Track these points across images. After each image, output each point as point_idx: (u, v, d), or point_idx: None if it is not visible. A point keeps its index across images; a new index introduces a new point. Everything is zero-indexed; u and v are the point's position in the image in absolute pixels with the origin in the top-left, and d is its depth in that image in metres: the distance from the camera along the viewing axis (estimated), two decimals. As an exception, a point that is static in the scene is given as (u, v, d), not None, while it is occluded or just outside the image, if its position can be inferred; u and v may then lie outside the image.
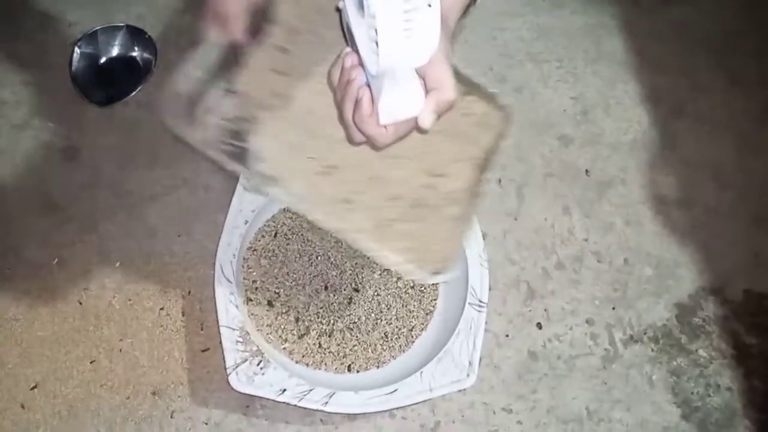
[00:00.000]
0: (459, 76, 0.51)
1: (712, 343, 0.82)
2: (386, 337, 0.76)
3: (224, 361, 0.67)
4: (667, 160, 0.93)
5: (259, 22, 0.55)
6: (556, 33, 1.01)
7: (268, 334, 0.74)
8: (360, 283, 0.78)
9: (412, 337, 0.76)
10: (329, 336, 0.75)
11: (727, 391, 0.80)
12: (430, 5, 0.44)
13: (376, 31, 0.44)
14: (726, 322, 0.84)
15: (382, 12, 0.43)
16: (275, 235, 0.79)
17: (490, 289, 0.74)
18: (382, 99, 0.49)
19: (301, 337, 0.74)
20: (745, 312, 0.84)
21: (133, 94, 0.88)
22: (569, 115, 0.95)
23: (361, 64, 0.51)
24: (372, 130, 0.50)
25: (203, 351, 0.76)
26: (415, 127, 0.50)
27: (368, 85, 0.51)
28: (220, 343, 0.68)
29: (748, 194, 0.92)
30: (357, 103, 0.49)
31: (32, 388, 0.73)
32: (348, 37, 0.53)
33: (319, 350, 0.74)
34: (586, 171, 0.91)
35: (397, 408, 0.73)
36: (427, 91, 0.50)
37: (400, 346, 0.75)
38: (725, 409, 0.79)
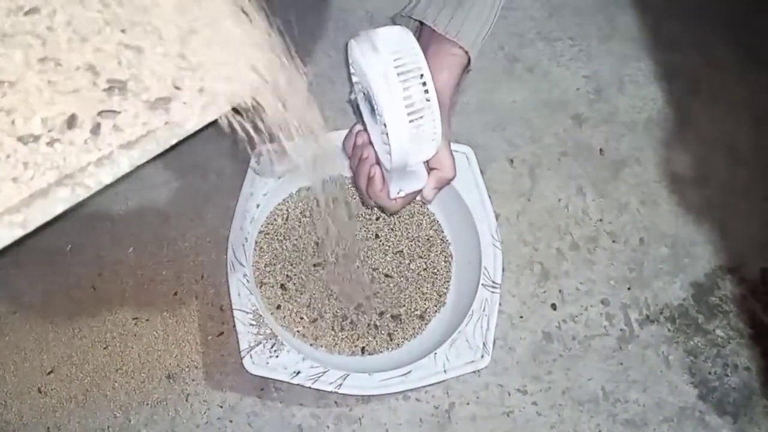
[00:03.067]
0: None
1: (729, 323, 0.81)
2: (399, 319, 0.75)
3: (238, 345, 0.67)
4: (683, 138, 0.92)
5: None
6: (568, 10, 0.99)
7: (281, 317, 0.74)
8: (372, 266, 0.77)
9: (426, 319, 0.76)
10: (342, 319, 0.75)
11: (745, 371, 0.79)
12: (428, 100, 0.50)
13: (388, 137, 0.50)
14: (743, 301, 0.83)
15: (392, 124, 0.49)
16: (287, 219, 0.78)
17: (503, 270, 0.73)
18: (392, 181, 0.58)
19: (313, 320, 0.74)
20: (763, 291, 0.83)
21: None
22: (582, 93, 0.93)
23: (371, 142, 0.59)
24: (384, 202, 0.59)
25: (218, 335, 0.76)
26: (419, 195, 0.60)
27: (378, 162, 0.58)
28: (234, 326, 0.68)
29: (765, 171, 0.90)
30: (369, 179, 0.58)
31: (48, 373, 0.74)
32: (358, 118, 0.60)
33: (332, 333, 0.74)
34: (600, 150, 0.90)
35: (411, 390, 0.73)
36: (429, 169, 0.59)
37: (413, 328, 0.75)
38: (743, 388, 0.78)
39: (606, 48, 0.97)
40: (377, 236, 0.79)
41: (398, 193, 0.59)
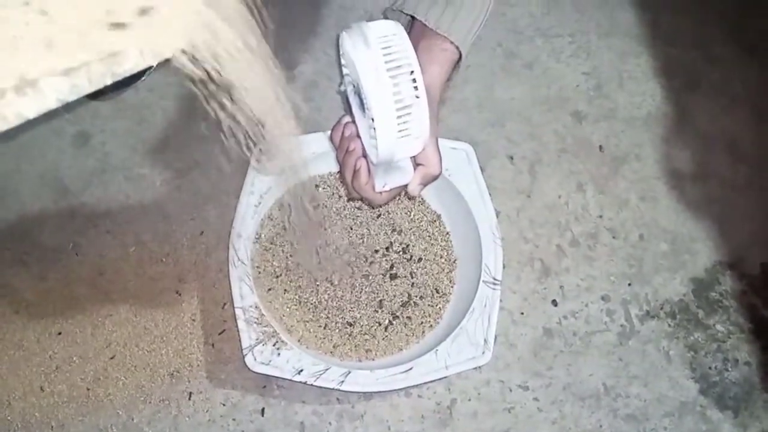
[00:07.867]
0: None
1: (729, 318, 0.82)
2: (402, 316, 0.75)
3: (240, 343, 0.67)
4: (682, 133, 0.92)
5: None
6: (567, 6, 0.99)
7: (282, 315, 0.74)
8: (374, 264, 0.77)
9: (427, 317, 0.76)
10: (344, 315, 0.75)
11: (745, 366, 0.79)
12: (417, 96, 0.50)
13: (375, 131, 0.50)
14: (743, 296, 0.83)
15: (380, 119, 0.49)
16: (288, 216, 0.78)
17: (504, 267, 0.74)
18: (378, 175, 0.58)
19: (315, 317, 0.74)
20: (763, 286, 0.84)
21: (143, 78, 0.88)
22: (582, 90, 0.93)
23: (359, 135, 0.58)
24: (369, 195, 0.59)
25: (219, 333, 0.76)
26: (405, 191, 0.60)
27: (365, 155, 0.58)
28: (236, 324, 0.68)
29: (764, 167, 0.90)
30: (355, 172, 0.58)
31: (51, 371, 0.74)
32: (347, 110, 0.59)
33: (335, 330, 0.74)
34: (600, 147, 0.90)
35: (412, 386, 0.73)
36: (416, 165, 0.59)
37: (416, 325, 0.75)
38: (744, 383, 0.79)
39: (605, 44, 0.97)
40: (387, 235, 0.79)
41: (383, 187, 0.59)
